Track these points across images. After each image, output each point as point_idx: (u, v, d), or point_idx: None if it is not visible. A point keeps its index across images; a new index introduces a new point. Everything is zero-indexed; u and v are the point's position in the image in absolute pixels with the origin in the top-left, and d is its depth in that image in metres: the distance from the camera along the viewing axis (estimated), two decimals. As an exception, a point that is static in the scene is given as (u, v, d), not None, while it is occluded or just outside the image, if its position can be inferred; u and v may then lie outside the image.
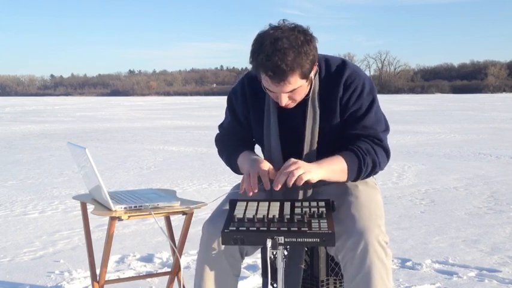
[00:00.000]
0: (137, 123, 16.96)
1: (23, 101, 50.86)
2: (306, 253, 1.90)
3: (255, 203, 1.72)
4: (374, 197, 1.81)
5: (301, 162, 1.67)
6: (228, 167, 2.02)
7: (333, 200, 1.71)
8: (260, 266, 2.28)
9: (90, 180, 2.10)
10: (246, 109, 1.92)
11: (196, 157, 8.28)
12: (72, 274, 2.99)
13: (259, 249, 1.76)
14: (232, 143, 1.99)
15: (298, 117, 1.81)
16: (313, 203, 1.70)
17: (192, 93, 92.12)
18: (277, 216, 1.61)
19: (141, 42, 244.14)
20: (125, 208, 1.98)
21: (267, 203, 1.71)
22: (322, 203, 1.70)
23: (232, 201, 1.75)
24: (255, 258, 3.01)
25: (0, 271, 3.07)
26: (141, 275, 2.98)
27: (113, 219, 1.97)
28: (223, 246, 1.70)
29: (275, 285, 1.66)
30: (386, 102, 32.21)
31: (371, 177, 1.91)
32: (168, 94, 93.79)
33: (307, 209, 1.65)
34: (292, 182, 1.63)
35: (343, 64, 1.82)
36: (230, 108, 1.98)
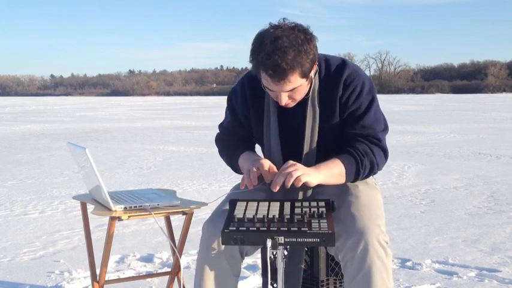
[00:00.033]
0: (137, 123, 16.96)
1: (23, 101, 50.86)
2: (306, 253, 1.90)
3: (255, 203, 1.72)
4: (374, 197, 1.81)
5: (299, 165, 1.67)
6: (228, 167, 2.02)
7: (333, 200, 1.71)
8: (260, 266, 2.28)
9: (90, 180, 2.10)
10: (246, 109, 1.92)
11: (196, 157, 8.28)
12: (72, 274, 2.99)
13: (259, 249, 1.77)
14: (232, 142, 2.00)
15: (298, 116, 1.81)
16: (313, 203, 1.70)
17: (192, 93, 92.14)
18: (277, 216, 1.61)
19: (141, 42, 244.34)
20: (125, 208, 1.98)
21: (267, 203, 1.71)
22: (322, 203, 1.70)
23: (232, 201, 1.75)
24: (255, 258, 3.01)
25: (0, 271, 3.07)
26: (141, 275, 2.98)
27: (113, 219, 1.97)
28: (223, 246, 1.70)
29: (275, 285, 1.66)
30: (386, 102, 32.21)
31: (371, 177, 1.91)
32: (168, 94, 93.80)
33: (307, 209, 1.65)
34: (291, 183, 1.63)
35: (343, 63, 1.82)
36: (230, 108, 1.98)
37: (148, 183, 5.93)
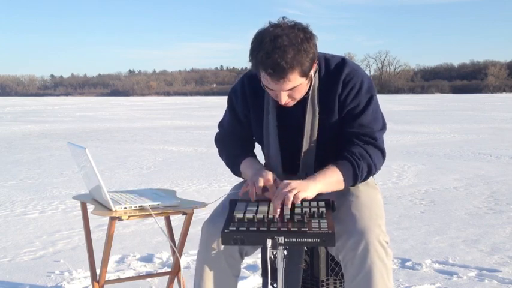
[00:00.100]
0: (137, 123, 16.96)
1: (23, 101, 50.86)
2: (306, 253, 1.90)
3: (255, 203, 1.72)
4: (374, 197, 1.81)
5: (294, 183, 1.65)
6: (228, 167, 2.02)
7: (333, 200, 1.71)
8: (260, 266, 2.28)
9: (90, 180, 2.10)
10: (246, 108, 1.91)
11: (196, 157, 8.27)
12: (72, 274, 2.99)
13: (259, 249, 1.76)
14: (233, 143, 1.99)
15: (297, 115, 1.81)
16: (313, 203, 1.70)
17: (192, 93, 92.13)
18: (277, 216, 1.61)
19: (141, 42, 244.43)
20: (124, 208, 1.98)
21: (267, 203, 1.71)
22: (322, 203, 1.69)
23: (232, 201, 1.75)
24: (255, 258, 3.01)
25: (0, 271, 3.07)
26: (141, 275, 2.98)
27: (113, 219, 1.97)
28: (222, 246, 1.70)
29: (275, 285, 1.66)
30: (386, 102, 32.20)
31: (371, 177, 1.91)
32: (168, 94, 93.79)
33: (307, 209, 1.65)
34: (290, 203, 1.61)
35: (342, 62, 1.81)
36: (230, 107, 1.98)
37: (148, 183, 5.93)
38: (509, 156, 8.02)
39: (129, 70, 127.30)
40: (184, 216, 2.11)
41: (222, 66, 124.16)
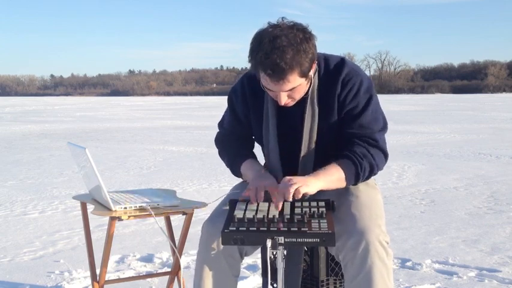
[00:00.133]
0: (137, 123, 16.96)
1: (23, 101, 50.86)
2: (306, 253, 1.90)
3: (255, 203, 1.72)
4: (374, 197, 1.81)
5: (295, 178, 1.66)
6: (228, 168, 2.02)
7: (333, 200, 1.71)
8: (260, 266, 2.28)
9: (90, 180, 2.10)
10: (246, 108, 1.91)
11: (196, 157, 8.27)
12: (72, 274, 2.99)
13: (259, 249, 1.76)
14: (233, 144, 2.00)
15: (297, 115, 1.81)
16: (313, 203, 1.70)
17: (192, 93, 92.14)
18: (277, 216, 1.61)
19: (141, 42, 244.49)
20: (124, 208, 1.98)
21: (267, 203, 1.71)
22: (322, 203, 1.70)
23: (232, 201, 1.75)
24: (255, 258, 3.01)
25: (0, 271, 3.07)
26: (141, 275, 2.98)
27: (113, 219, 1.97)
28: (222, 246, 1.70)
29: (275, 285, 1.66)
30: (386, 102, 32.20)
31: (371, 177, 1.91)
32: (168, 94, 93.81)
33: (307, 209, 1.65)
34: (291, 197, 1.62)
35: (341, 62, 1.81)
36: (230, 107, 1.98)
37: (148, 183, 5.93)
38: (509, 156, 8.02)
39: (129, 70, 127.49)
40: (184, 216, 2.11)
41: (222, 66, 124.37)
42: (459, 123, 15.36)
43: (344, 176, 1.74)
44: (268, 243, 1.50)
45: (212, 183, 5.92)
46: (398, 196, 5.09)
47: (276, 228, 1.53)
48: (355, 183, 1.79)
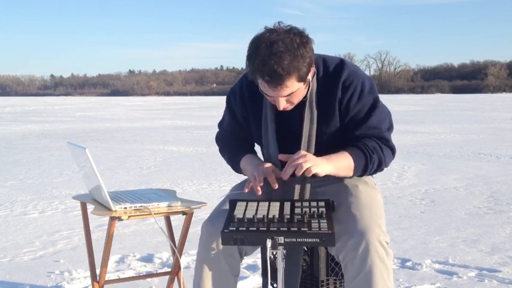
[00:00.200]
0: (137, 123, 16.96)
1: (23, 101, 50.86)
2: (306, 253, 1.90)
3: (255, 203, 1.72)
4: (374, 197, 1.81)
5: (310, 155, 1.67)
6: (228, 166, 2.03)
7: (333, 200, 1.71)
8: (260, 266, 2.28)
9: (90, 180, 2.10)
10: (245, 111, 1.91)
11: (196, 157, 8.28)
12: (72, 274, 2.99)
13: (259, 249, 1.76)
14: (233, 143, 2.01)
15: (296, 118, 1.80)
16: (313, 203, 1.70)
17: (192, 93, 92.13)
18: (277, 216, 1.61)
19: (141, 42, 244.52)
20: (124, 208, 1.98)
21: (266, 203, 1.71)
22: (322, 203, 1.69)
23: (232, 201, 1.75)
24: (255, 258, 3.01)
25: (0, 271, 3.07)
26: (141, 275, 2.98)
27: (113, 219, 1.97)
28: (222, 246, 1.70)
29: (275, 285, 1.66)
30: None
31: (371, 177, 1.91)
32: (168, 94, 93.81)
33: (307, 209, 1.65)
34: (301, 173, 1.63)
35: (341, 64, 1.80)
36: (229, 108, 1.98)
37: (148, 183, 5.93)
38: (509, 156, 8.02)
39: (129, 70, 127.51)
40: (184, 216, 2.11)
41: (222, 66, 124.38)
42: (459, 123, 15.36)
43: (353, 165, 1.74)
44: (268, 243, 1.50)
45: (212, 183, 5.92)
46: (398, 196, 5.09)
47: (275, 228, 1.53)
48: (362, 175, 1.80)
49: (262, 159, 1.91)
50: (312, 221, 1.57)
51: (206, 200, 2.25)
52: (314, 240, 1.51)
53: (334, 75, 1.78)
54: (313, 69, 1.72)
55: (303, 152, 1.69)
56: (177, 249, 2.20)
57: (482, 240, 3.59)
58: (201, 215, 3.87)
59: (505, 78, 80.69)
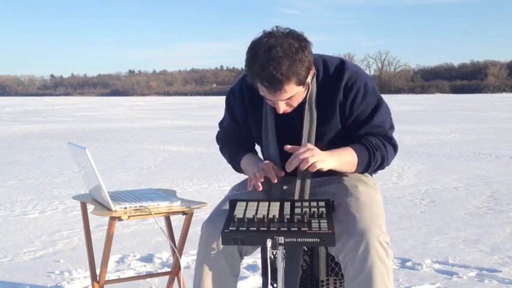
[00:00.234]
0: (137, 123, 16.96)
1: (23, 101, 50.86)
2: (306, 253, 1.90)
3: (255, 203, 1.72)
4: (374, 197, 1.81)
5: (316, 149, 1.67)
6: (229, 165, 2.04)
7: (333, 200, 1.71)
8: (260, 266, 2.28)
9: (90, 180, 2.10)
10: (245, 113, 1.92)
11: (196, 157, 8.28)
12: (72, 274, 2.99)
13: (259, 249, 1.76)
14: (233, 143, 2.02)
15: (295, 120, 1.80)
16: (313, 203, 1.70)
17: (192, 93, 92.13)
18: (277, 216, 1.61)
19: (141, 42, 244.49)
20: (124, 208, 1.98)
21: (267, 203, 1.71)
22: (322, 203, 1.70)
23: (232, 201, 1.75)
24: (255, 258, 3.01)
25: (0, 271, 3.07)
26: (141, 275, 2.98)
27: (113, 219, 1.97)
28: (222, 246, 1.70)
29: (275, 285, 1.66)
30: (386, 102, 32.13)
31: (371, 177, 1.92)
32: (168, 94, 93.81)
33: (307, 209, 1.65)
34: (305, 167, 1.63)
35: (341, 65, 1.80)
36: (229, 109, 1.98)
37: (148, 183, 5.93)
38: (509, 156, 8.02)
39: (129, 70, 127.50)
40: (184, 216, 2.11)
41: (222, 66, 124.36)
42: (459, 123, 15.36)
43: (357, 161, 1.75)
44: (268, 243, 1.50)
45: (212, 183, 5.92)
46: (398, 196, 5.09)
47: (276, 228, 1.54)
48: (364, 172, 1.81)
49: (262, 159, 1.92)
50: (312, 221, 1.57)
51: (206, 200, 2.25)
52: (314, 240, 1.51)
53: (335, 77, 1.78)
54: (312, 72, 1.72)
55: (310, 145, 1.68)
56: (177, 249, 2.20)
57: (482, 240, 3.59)
58: (201, 215, 3.87)
59: (505, 78, 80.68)
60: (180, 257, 2.19)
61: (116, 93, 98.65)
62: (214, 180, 6.07)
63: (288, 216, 1.60)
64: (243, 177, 2.00)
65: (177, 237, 2.28)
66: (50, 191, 5.56)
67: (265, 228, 1.54)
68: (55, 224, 4.15)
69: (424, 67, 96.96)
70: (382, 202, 1.83)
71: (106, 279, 2.14)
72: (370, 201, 1.76)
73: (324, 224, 1.55)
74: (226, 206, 1.75)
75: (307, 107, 1.77)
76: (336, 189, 1.82)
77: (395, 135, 1.87)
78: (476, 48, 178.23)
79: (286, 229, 1.53)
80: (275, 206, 1.69)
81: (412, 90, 79.27)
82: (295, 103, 1.73)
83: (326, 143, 1.80)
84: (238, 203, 1.73)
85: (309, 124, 1.79)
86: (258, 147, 2.01)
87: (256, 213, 1.63)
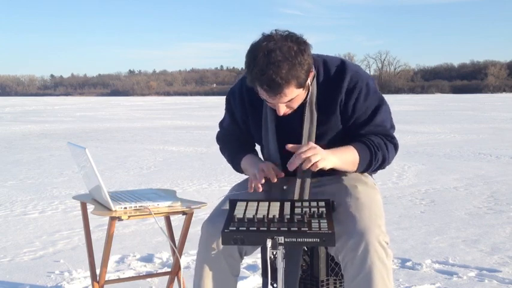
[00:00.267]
0: (137, 123, 16.96)
1: (23, 101, 50.86)
2: (306, 253, 1.90)
3: (255, 203, 1.72)
4: (374, 197, 1.81)
5: (318, 148, 1.66)
6: (229, 164, 2.04)
7: (333, 200, 1.71)
8: (260, 266, 2.28)
9: (90, 180, 2.10)
10: (245, 113, 1.92)
11: (196, 157, 8.27)
12: (72, 274, 2.99)
13: (259, 249, 1.76)
14: (233, 143, 2.02)
15: (296, 120, 1.80)
16: (313, 203, 1.70)
17: (192, 93, 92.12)
18: (277, 216, 1.61)
19: (141, 42, 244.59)
20: (124, 208, 1.98)
21: (267, 203, 1.71)
22: (322, 203, 1.70)
23: (232, 201, 1.75)
24: (255, 258, 3.01)
25: (0, 271, 3.07)
26: (141, 275, 2.98)
27: (113, 219, 1.97)
28: (222, 246, 1.70)
29: (275, 285, 1.66)
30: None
31: (370, 177, 1.92)
32: (168, 94, 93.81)
33: (307, 209, 1.65)
34: (308, 167, 1.63)
35: (342, 66, 1.79)
36: (229, 109, 1.99)
37: (148, 183, 5.93)
38: (509, 156, 8.02)
39: (129, 70, 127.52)
40: (184, 216, 2.11)
41: (222, 66, 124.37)
42: (459, 123, 15.36)
43: (358, 160, 1.75)
44: (268, 243, 1.50)
45: (212, 183, 5.92)
46: (398, 196, 5.09)
47: (276, 228, 1.54)
48: (364, 172, 1.82)
49: (262, 159, 1.92)
50: (312, 221, 1.57)
51: (206, 200, 2.25)
52: (314, 240, 1.51)
53: (336, 78, 1.78)
54: (312, 73, 1.72)
55: (311, 143, 1.68)
56: (177, 249, 2.20)
57: (482, 240, 3.59)
58: (201, 215, 3.86)
59: (505, 78, 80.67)
60: (180, 257, 2.19)
61: (116, 93, 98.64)
62: (214, 180, 6.07)
63: (288, 216, 1.60)
64: (243, 177, 2.00)
65: (177, 237, 2.28)
66: (50, 191, 5.56)
67: (265, 228, 1.54)
68: (55, 224, 4.15)
69: (424, 67, 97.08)
70: (382, 202, 1.84)
71: (106, 279, 2.14)
72: (370, 201, 1.76)
73: (324, 224, 1.55)
74: (226, 206, 1.75)
75: (307, 108, 1.77)
76: (335, 189, 1.82)
77: (396, 135, 1.87)
78: (476, 48, 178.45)
79: (286, 229, 1.53)
80: (275, 206, 1.69)
81: (412, 90, 79.26)
82: (296, 105, 1.73)
83: (326, 143, 1.80)
84: (238, 203, 1.73)
85: (309, 125, 1.79)
86: (258, 147, 2.01)
87: (256, 213, 1.63)
